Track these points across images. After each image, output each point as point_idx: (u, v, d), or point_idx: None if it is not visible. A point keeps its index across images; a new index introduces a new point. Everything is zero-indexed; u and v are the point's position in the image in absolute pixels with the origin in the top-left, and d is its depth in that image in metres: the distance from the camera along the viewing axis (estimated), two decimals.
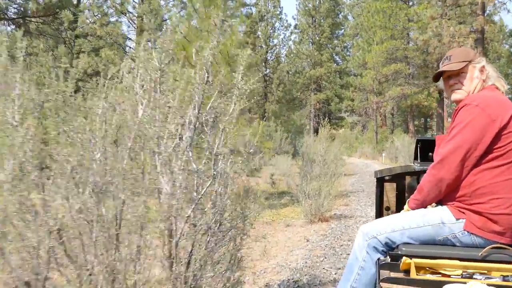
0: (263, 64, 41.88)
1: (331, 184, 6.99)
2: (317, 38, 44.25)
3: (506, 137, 1.83)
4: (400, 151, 18.73)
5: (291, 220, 6.92)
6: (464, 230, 1.86)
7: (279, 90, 44.18)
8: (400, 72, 26.12)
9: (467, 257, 1.76)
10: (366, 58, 28.00)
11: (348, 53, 42.95)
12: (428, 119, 34.41)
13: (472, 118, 1.86)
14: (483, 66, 2.05)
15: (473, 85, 2.04)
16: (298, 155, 11.56)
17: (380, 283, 1.65)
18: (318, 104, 43.98)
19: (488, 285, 1.45)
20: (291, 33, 46.89)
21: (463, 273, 1.68)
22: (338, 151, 14.90)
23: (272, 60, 42.42)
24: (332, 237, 5.57)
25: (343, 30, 44.42)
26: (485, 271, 1.68)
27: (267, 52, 42.74)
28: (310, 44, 45.05)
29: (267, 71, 41.79)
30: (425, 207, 2.02)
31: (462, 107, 1.92)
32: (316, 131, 48.84)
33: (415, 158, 3.03)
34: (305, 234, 5.85)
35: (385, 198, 2.90)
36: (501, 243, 1.79)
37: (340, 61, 46.33)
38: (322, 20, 43.56)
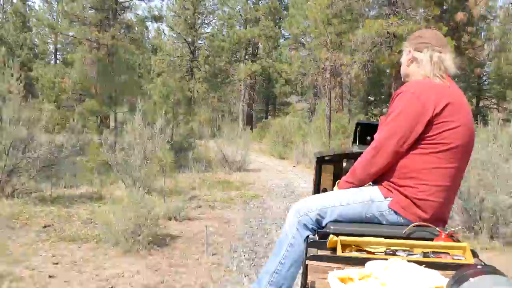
0: (189, 30, 33.94)
1: None
2: None
3: (438, 126, 2.03)
4: None
5: None
6: (390, 208, 2.08)
7: (207, 64, 30.50)
8: None
9: (391, 235, 1.96)
10: None
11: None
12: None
13: (406, 106, 2.05)
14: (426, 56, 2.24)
15: (410, 68, 2.27)
16: None
17: (306, 261, 1.76)
18: (249, 78, 30.09)
19: (408, 261, 1.60)
20: None
21: (387, 250, 1.84)
22: None
23: (201, 26, 34.77)
24: None
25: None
26: (408, 248, 1.86)
27: (194, 13, 33.75)
28: None
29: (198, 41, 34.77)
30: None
31: (399, 94, 2.13)
32: (249, 117, 34.10)
33: (354, 141, 3.24)
34: None
35: (322, 180, 3.09)
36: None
37: (287, 34, 35.38)
38: None
